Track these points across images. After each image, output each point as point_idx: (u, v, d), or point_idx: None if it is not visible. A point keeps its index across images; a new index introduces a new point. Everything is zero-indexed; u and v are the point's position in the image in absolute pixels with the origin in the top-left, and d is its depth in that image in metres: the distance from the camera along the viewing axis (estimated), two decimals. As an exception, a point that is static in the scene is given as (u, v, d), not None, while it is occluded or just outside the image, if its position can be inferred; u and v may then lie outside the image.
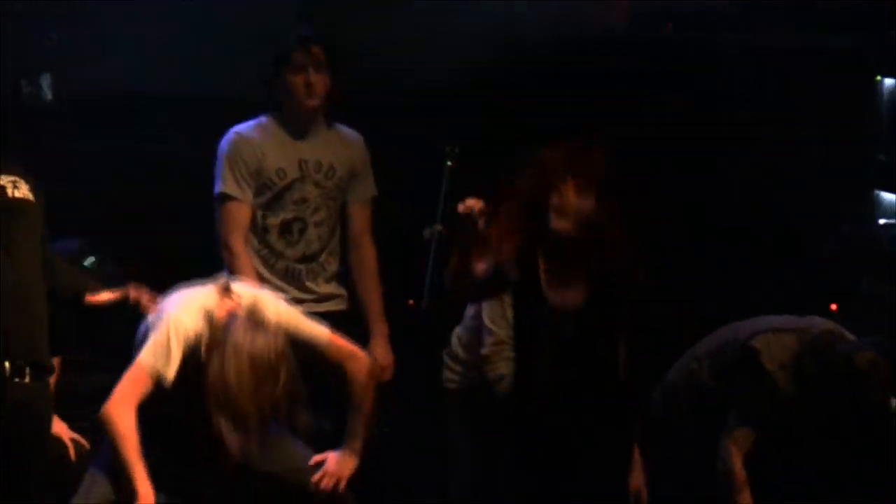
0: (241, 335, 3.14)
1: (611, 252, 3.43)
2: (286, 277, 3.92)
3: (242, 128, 3.98)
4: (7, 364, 3.02)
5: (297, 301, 3.77)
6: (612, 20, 5.08)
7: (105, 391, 3.18)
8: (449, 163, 3.59)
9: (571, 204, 3.40)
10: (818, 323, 3.91)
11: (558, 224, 3.43)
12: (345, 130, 4.09)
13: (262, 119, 4.00)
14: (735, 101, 5.01)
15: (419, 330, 3.98)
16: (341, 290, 4.03)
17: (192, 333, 3.22)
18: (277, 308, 3.33)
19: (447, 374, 3.93)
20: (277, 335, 3.19)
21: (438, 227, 3.49)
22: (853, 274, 4.56)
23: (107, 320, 3.42)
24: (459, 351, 3.89)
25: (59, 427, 3.50)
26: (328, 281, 4.01)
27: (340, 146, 4.03)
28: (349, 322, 3.91)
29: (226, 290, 3.25)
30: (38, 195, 3.17)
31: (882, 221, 5.20)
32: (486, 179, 3.95)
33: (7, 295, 3.02)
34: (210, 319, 3.23)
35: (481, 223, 3.44)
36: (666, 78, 4.95)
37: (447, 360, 3.94)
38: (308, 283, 3.95)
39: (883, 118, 5.23)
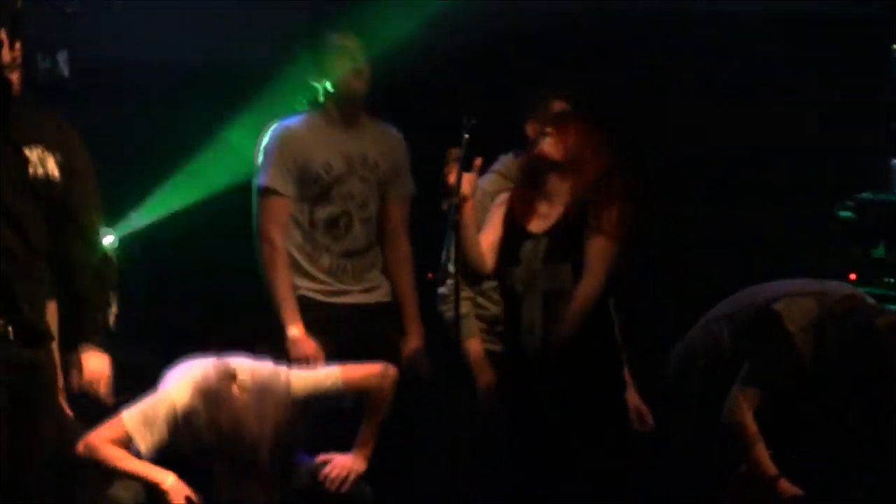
0: (240, 408, 3.31)
1: (586, 179, 3.54)
2: (330, 273, 3.93)
3: (289, 122, 3.98)
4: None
5: (343, 293, 3.87)
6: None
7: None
8: (466, 134, 3.55)
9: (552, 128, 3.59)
10: (839, 288, 3.87)
11: (543, 149, 3.59)
12: (385, 126, 4.08)
13: (307, 114, 3.99)
14: (749, 70, 4.92)
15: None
16: (386, 283, 4.04)
17: (182, 410, 3.37)
18: (285, 378, 3.45)
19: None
20: (283, 399, 3.38)
21: (455, 199, 3.49)
22: (869, 241, 4.50)
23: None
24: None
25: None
26: (374, 274, 4.03)
27: (383, 141, 4.03)
28: (393, 313, 4.03)
29: (224, 369, 3.36)
30: (69, 170, 3.06)
31: None
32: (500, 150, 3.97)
33: (9, 265, 2.96)
34: (204, 394, 3.36)
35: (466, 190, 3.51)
36: (678, 45, 4.89)
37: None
38: (353, 278, 3.96)
39: None
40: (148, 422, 3.41)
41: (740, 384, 3.71)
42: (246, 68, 4.73)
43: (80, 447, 3.42)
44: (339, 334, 3.87)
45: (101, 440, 3.40)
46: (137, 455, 3.39)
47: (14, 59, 3.00)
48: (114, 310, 3.75)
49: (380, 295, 4.02)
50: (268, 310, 3.87)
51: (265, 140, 3.94)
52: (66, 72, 4.45)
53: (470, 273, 3.63)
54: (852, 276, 4.35)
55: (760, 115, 4.88)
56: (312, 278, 3.92)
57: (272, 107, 4.29)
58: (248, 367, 3.43)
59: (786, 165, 4.86)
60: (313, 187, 3.91)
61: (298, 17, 4.85)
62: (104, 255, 3.28)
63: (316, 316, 3.87)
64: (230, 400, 3.35)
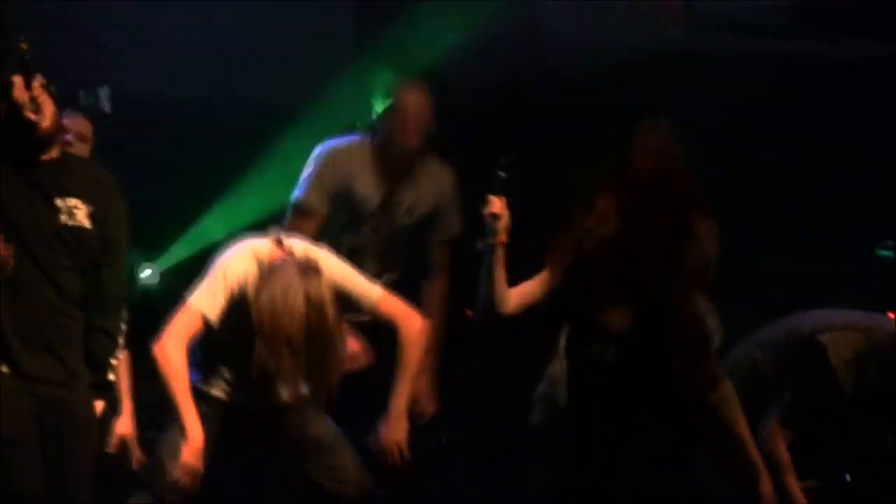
0: (290, 274, 3.16)
1: (655, 267, 3.46)
2: None
3: (340, 144, 3.98)
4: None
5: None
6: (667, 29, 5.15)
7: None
8: (502, 173, 3.57)
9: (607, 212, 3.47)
10: (886, 324, 3.92)
11: (599, 229, 3.49)
12: (436, 166, 4.06)
13: (361, 140, 3.98)
14: (788, 108, 5.03)
15: (474, 339, 4.03)
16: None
17: (241, 276, 3.26)
18: (329, 261, 3.34)
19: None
20: (326, 280, 3.21)
21: (490, 239, 3.50)
22: None
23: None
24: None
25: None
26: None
27: (428, 183, 4.01)
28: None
29: (279, 242, 3.28)
30: (100, 219, 3.14)
31: None
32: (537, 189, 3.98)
33: (37, 310, 3.06)
34: (261, 263, 3.25)
35: (501, 224, 3.49)
36: (725, 83, 5.00)
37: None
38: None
39: None
40: (212, 293, 3.32)
41: (778, 413, 3.75)
42: (281, 104, 4.84)
43: (154, 349, 3.29)
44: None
45: (175, 337, 3.29)
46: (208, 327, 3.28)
47: (34, 99, 3.04)
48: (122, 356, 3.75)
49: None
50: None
51: (316, 154, 3.95)
52: (107, 108, 4.52)
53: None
54: (891, 315, 4.41)
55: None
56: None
57: (305, 140, 4.34)
58: (300, 245, 3.37)
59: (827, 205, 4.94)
60: (346, 215, 3.93)
61: (332, 53, 4.99)
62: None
63: None
64: (281, 270, 3.25)
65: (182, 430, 3.25)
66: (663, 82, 5.09)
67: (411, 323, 3.48)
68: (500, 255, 3.53)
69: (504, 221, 3.54)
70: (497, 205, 3.49)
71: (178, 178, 4.68)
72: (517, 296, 3.62)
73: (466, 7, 4.98)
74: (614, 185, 3.58)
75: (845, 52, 5.26)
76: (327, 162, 3.90)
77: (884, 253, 4.55)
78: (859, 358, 3.89)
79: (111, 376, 3.29)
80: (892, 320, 4.01)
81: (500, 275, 3.57)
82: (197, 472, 3.26)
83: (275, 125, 4.69)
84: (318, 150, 3.95)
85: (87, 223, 3.13)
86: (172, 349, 3.23)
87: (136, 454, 3.66)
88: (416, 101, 3.86)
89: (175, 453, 3.29)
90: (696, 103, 4.92)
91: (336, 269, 3.39)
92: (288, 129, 4.66)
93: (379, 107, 4.01)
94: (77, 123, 3.82)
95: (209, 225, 4.70)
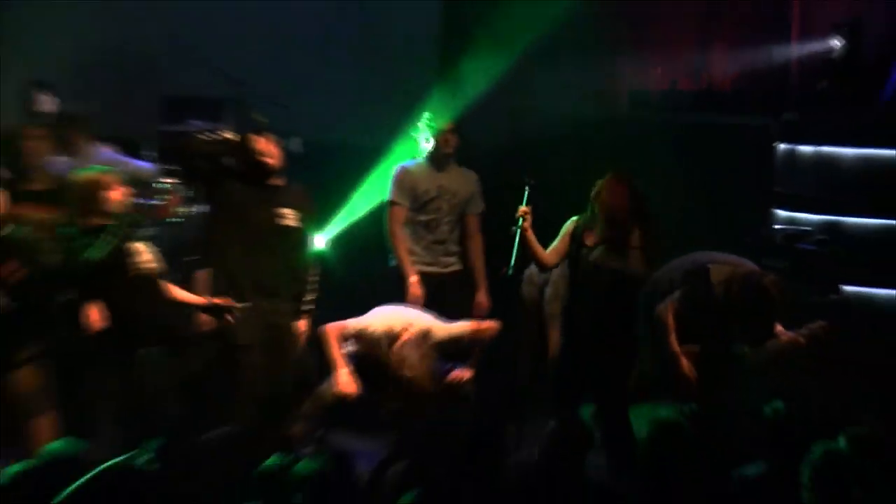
0: (412, 349, 5.78)
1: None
2: (426, 250, 6.70)
3: (408, 164, 6.79)
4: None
5: (432, 264, 6.60)
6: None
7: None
8: (528, 188, 6.09)
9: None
10: (748, 264, 6.10)
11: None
12: (465, 170, 6.89)
13: (418, 159, 6.78)
14: (681, 161, 7.91)
15: (506, 286, 6.77)
16: (459, 261, 6.79)
17: (376, 335, 5.81)
18: (440, 328, 5.88)
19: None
20: (436, 341, 5.83)
21: (518, 227, 6.03)
22: (760, 255, 7.35)
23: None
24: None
25: None
26: (451, 255, 6.78)
27: (462, 179, 6.84)
28: (462, 279, 6.80)
29: (403, 325, 5.81)
30: (302, 219, 5.86)
31: (777, 226, 8.16)
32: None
33: (262, 270, 5.71)
34: (390, 333, 5.81)
35: (527, 223, 5.95)
36: (651, 143, 7.84)
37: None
38: (440, 256, 6.73)
39: (777, 167, 8.25)
40: (355, 330, 5.86)
41: (671, 298, 5.91)
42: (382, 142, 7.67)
43: (320, 330, 5.80)
44: (430, 289, 6.57)
45: (332, 330, 5.86)
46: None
47: (268, 149, 5.79)
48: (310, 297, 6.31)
49: (453, 267, 6.72)
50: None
51: (394, 174, 6.70)
52: (300, 149, 7.43)
53: (539, 266, 6.28)
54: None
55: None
56: (415, 254, 6.67)
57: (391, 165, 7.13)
58: (414, 321, 5.82)
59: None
60: (417, 203, 6.67)
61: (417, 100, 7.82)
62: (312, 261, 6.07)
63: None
64: (400, 345, 5.84)
65: (335, 369, 5.75)
66: (608, 141, 7.97)
67: (484, 332, 5.99)
68: (529, 235, 5.96)
69: (529, 216, 6.00)
70: (524, 209, 6.01)
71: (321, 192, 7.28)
72: (555, 256, 6.14)
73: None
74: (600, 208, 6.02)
75: (727, 122, 8.33)
76: (401, 175, 6.68)
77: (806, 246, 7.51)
78: (728, 280, 5.88)
79: (304, 307, 5.85)
80: (749, 261, 6.21)
81: (536, 247, 6.02)
82: (351, 392, 5.77)
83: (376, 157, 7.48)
84: (395, 171, 6.74)
85: (293, 223, 5.83)
86: (332, 334, 5.77)
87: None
88: (448, 132, 6.62)
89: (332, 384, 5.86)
90: (632, 155, 7.51)
91: (437, 329, 5.87)
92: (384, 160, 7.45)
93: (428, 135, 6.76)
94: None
95: (347, 215, 7.51)
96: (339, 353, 5.90)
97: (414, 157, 6.84)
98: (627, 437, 5.99)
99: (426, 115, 6.89)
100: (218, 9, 8.81)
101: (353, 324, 5.94)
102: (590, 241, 6.17)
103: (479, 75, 8.27)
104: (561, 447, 5.29)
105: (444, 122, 6.82)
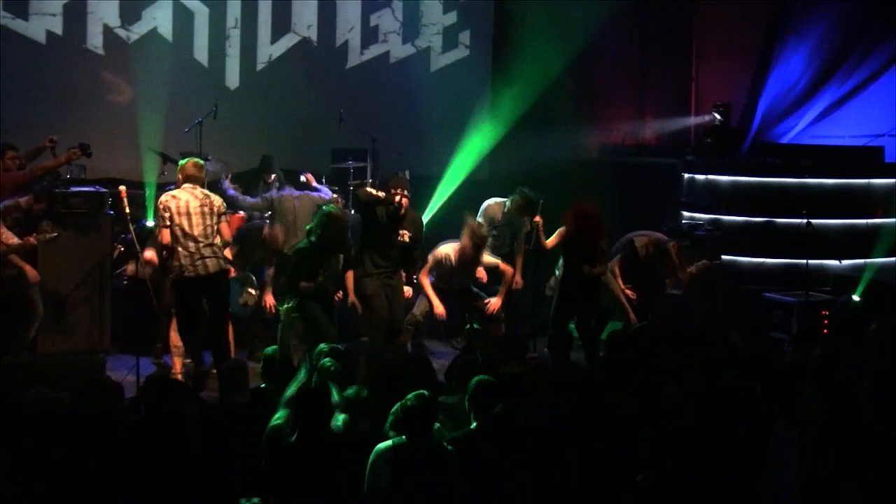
0: (467, 254, 9.15)
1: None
2: (491, 249, 9.68)
3: (493, 202, 9.80)
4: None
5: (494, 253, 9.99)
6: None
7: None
8: (540, 204, 9.39)
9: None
10: (662, 236, 9.38)
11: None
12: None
13: (501, 199, 9.81)
14: (627, 184, 11.62)
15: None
16: (499, 260, 9.62)
17: (444, 255, 8.96)
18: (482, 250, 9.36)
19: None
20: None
21: (535, 229, 9.74)
22: (673, 237, 10.92)
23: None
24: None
25: None
26: (496, 256, 9.59)
27: (511, 217, 9.76)
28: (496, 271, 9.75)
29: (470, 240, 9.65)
30: (413, 237, 8.92)
31: (684, 221, 11.68)
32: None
33: (383, 258, 9.47)
34: (451, 252, 8.95)
35: (539, 224, 9.22)
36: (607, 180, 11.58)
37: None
38: (491, 257, 9.54)
39: (683, 187, 12.08)
40: (433, 263, 8.72)
41: (616, 258, 9.19)
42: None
43: (420, 279, 8.98)
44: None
45: (423, 274, 8.79)
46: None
47: (401, 200, 9.30)
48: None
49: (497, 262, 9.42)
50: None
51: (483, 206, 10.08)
52: (408, 177, 10.95)
53: (542, 247, 9.79)
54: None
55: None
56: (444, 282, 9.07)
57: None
58: (463, 242, 8.70)
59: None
60: (489, 225, 9.75)
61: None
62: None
63: None
64: (459, 252, 8.72)
65: (430, 299, 9.02)
66: (585, 174, 11.19)
67: (508, 272, 9.19)
68: (540, 232, 9.06)
69: (540, 223, 9.14)
70: (538, 218, 9.09)
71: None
72: (552, 243, 8.96)
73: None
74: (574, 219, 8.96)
75: (654, 161, 12.29)
76: (484, 208, 9.98)
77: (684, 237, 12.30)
78: (646, 245, 9.16)
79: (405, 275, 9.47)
80: (663, 235, 9.78)
81: (543, 238, 8.98)
82: (441, 313, 9.11)
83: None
84: (484, 205, 9.79)
85: (407, 239, 8.98)
86: (423, 276, 8.89)
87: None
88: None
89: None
90: (599, 182, 11.01)
91: (482, 251, 9.09)
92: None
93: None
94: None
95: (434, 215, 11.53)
96: (430, 290, 8.98)
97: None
98: (594, 341, 8.98)
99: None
100: (360, 91, 12.36)
101: (430, 260, 8.88)
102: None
103: (508, 127, 11.98)
104: (556, 347, 7.93)
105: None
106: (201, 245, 8.37)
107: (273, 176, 10.72)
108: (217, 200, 8.53)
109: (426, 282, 9.01)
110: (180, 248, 8.34)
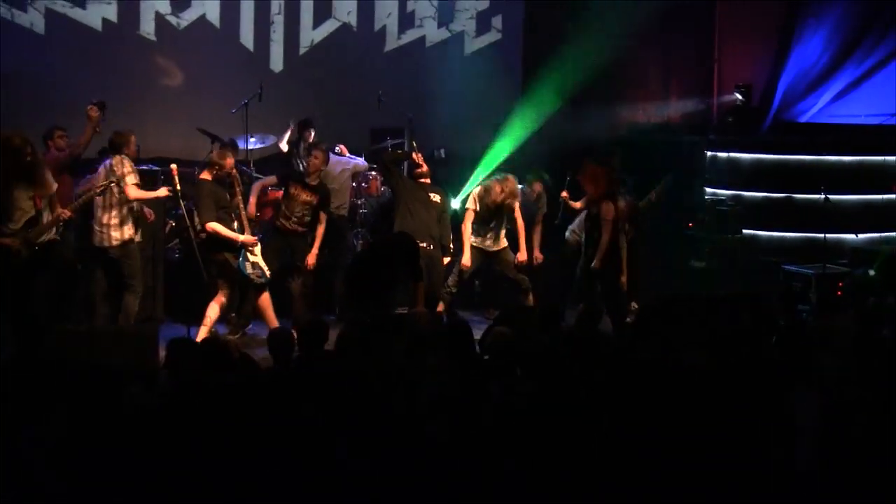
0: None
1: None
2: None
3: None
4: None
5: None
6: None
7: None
8: (569, 179, 10.17)
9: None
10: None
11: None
12: (542, 198, 10.69)
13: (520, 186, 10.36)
14: (654, 161, 11.44)
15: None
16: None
17: (486, 188, 9.56)
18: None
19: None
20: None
21: (562, 199, 10.51)
22: (696, 212, 11.59)
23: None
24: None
25: None
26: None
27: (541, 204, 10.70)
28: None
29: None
30: (442, 199, 10.52)
31: (706, 196, 11.79)
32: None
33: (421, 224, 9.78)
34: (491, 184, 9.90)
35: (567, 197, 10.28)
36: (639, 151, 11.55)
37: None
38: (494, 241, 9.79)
39: (706, 164, 12.15)
40: (475, 196, 9.65)
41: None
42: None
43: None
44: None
45: (465, 221, 9.88)
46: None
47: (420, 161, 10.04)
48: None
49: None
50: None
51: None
52: (443, 156, 11.53)
53: (571, 211, 10.45)
54: (690, 224, 11.92)
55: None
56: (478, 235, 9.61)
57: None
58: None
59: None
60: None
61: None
62: None
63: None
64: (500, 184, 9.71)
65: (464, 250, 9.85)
66: (607, 151, 10.69)
67: (520, 218, 10.06)
68: (569, 201, 10.05)
69: (567, 197, 10.21)
70: (565, 193, 10.17)
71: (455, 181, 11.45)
72: (578, 206, 10.11)
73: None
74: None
75: (679, 139, 12.36)
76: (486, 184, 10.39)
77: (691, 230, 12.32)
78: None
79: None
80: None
81: (571, 205, 10.06)
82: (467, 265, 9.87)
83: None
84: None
85: (439, 202, 9.73)
86: (466, 224, 9.98)
87: None
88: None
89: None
90: (628, 158, 10.64)
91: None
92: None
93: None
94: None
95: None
96: (468, 240, 9.45)
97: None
98: (620, 311, 9.21)
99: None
100: (397, 73, 12.55)
101: (473, 196, 9.55)
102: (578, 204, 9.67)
103: (543, 108, 12.03)
104: (585, 318, 7.37)
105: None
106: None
107: (313, 134, 10.89)
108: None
109: (467, 234, 9.52)
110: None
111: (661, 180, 9.76)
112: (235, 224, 8.97)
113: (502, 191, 9.43)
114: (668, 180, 9.78)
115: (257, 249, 9.08)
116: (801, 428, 5.21)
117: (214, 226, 8.82)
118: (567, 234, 10.19)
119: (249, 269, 9.06)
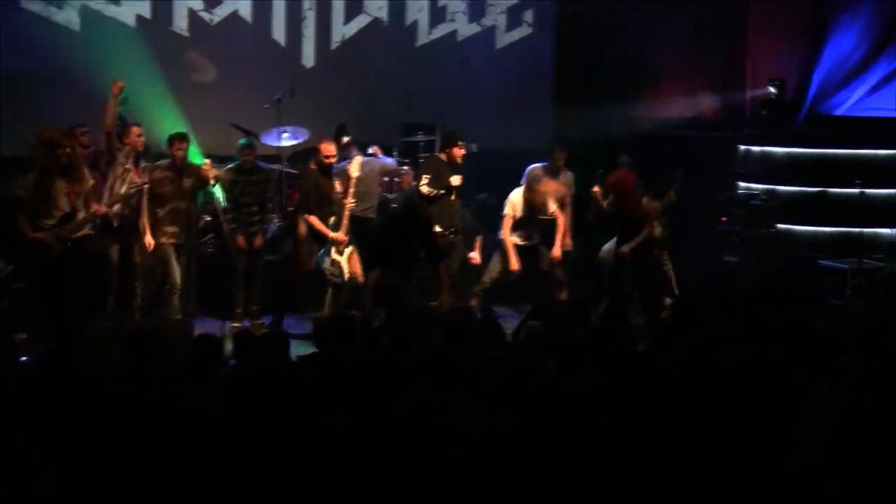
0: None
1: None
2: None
3: (535, 166, 10.41)
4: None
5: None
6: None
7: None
8: (601, 172, 10.40)
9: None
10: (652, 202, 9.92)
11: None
12: (568, 173, 10.63)
13: (543, 164, 10.48)
14: (684, 156, 10.81)
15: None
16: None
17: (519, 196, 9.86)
18: None
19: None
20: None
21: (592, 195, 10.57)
22: (730, 206, 11.45)
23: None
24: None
25: None
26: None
27: (566, 180, 10.77)
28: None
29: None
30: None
31: (739, 191, 11.66)
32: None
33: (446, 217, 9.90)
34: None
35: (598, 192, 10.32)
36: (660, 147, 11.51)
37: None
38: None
39: (739, 158, 12.12)
40: (511, 204, 9.97)
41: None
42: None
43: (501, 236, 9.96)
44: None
45: (505, 226, 9.87)
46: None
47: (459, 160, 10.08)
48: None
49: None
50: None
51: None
52: (476, 150, 11.21)
53: (601, 209, 10.36)
54: (724, 219, 11.80)
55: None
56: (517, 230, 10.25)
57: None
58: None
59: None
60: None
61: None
62: None
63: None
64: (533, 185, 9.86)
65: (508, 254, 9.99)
66: (642, 145, 10.92)
67: (559, 213, 10.20)
68: (599, 199, 10.11)
69: (598, 193, 10.22)
70: (596, 188, 10.04)
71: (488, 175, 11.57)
72: (606, 207, 10.14)
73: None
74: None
75: (711, 135, 12.21)
76: (528, 171, 10.40)
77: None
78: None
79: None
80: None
81: (601, 204, 10.07)
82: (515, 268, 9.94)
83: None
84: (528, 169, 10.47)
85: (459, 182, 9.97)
86: (506, 226, 10.02)
87: None
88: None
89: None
90: (654, 154, 10.69)
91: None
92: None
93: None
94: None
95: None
96: (511, 246, 9.58)
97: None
98: (655, 299, 9.44)
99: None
100: (428, 68, 12.47)
101: (511, 202, 9.65)
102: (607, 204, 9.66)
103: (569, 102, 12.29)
104: (614, 310, 7.55)
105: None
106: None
107: (348, 139, 10.73)
108: None
109: (508, 239, 9.53)
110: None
111: (674, 178, 9.68)
112: (333, 218, 9.02)
113: (537, 193, 9.60)
114: (678, 176, 9.68)
115: (346, 249, 9.06)
116: (816, 426, 5.15)
117: (310, 218, 8.94)
118: (601, 252, 10.07)
119: (327, 265, 9.04)
